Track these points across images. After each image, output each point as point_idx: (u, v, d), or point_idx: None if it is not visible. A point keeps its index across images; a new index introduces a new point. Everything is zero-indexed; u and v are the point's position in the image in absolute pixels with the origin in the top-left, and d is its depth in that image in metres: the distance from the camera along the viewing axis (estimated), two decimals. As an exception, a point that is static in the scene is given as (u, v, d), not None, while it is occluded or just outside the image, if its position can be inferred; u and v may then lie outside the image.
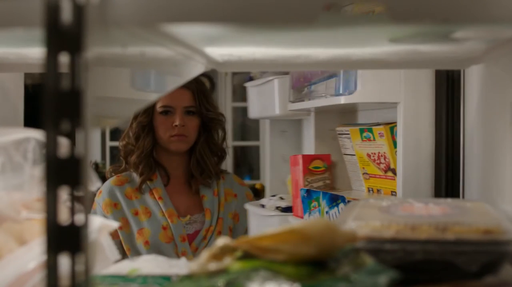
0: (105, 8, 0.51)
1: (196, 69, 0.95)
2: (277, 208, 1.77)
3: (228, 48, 0.92)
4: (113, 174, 1.91)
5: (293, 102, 1.81)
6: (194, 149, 1.88)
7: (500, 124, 0.96)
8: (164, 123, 1.83)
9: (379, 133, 1.44)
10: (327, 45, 0.87)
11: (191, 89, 1.86)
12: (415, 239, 0.67)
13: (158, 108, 1.84)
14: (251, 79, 2.28)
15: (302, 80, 1.74)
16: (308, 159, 1.70)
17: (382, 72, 1.35)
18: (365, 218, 0.71)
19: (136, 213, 1.81)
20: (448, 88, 1.28)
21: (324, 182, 1.69)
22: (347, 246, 0.64)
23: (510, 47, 0.81)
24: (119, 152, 1.91)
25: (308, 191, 1.58)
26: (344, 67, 1.53)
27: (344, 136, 1.62)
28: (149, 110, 1.85)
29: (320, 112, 1.82)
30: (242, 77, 3.55)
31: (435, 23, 0.64)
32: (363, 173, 1.56)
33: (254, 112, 2.27)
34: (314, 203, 1.55)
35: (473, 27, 0.71)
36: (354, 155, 1.59)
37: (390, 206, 0.77)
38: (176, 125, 1.81)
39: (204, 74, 1.54)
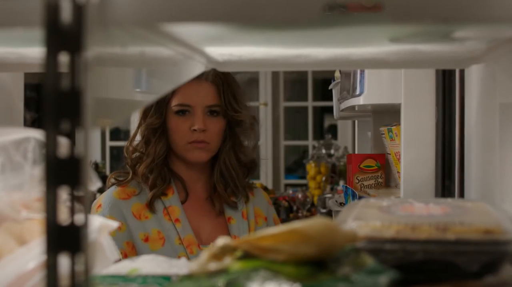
0: (105, 7, 0.51)
1: (196, 69, 0.95)
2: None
3: (228, 48, 0.92)
4: (116, 185, 1.48)
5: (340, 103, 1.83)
6: (217, 158, 1.50)
7: (500, 123, 0.96)
8: (180, 126, 1.44)
9: (395, 133, 1.48)
10: (327, 45, 0.87)
11: (215, 82, 1.46)
12: (416, 239, 0.67)
13: (173, 107, 1.45)
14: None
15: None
16: (360, 158, 1.71)
17: (383, 73, 1.36)
18: (365, 218, 0.71)
19: (146, 239, 1.41)
20: (451, 88, 1.28)
21: (376, 180, 1.70)
22: (348, 246, 0.64)
23: (510, 47, 0.81)
24: (125, 159, 1.52)
25: (346, 188, 1.64)
26: (344, 66, 1.53)
27: (383, 136, 1.65)
28: (162, 109, 1.46)
29: (377, 112, 1.81)
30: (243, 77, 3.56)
31: (436, 23, 0.64)
32: (398, 172, 1.58)
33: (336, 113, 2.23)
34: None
35: (474, 26, 0.71)
36: (389, 154, 1.61)
37: (391, 206, 0.77)
38: (195, 129, 1.43)
39: None
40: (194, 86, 1.44)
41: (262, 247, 0.62)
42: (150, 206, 1.44)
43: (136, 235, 1.40)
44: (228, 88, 1.47)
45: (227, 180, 1.50)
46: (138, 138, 1.51)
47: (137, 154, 1.49)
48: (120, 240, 1.36)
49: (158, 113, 1.46)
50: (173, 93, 1.46)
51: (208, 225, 1.47)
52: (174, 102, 1.46)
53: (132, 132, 1.54)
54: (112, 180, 1.51)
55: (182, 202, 1.47)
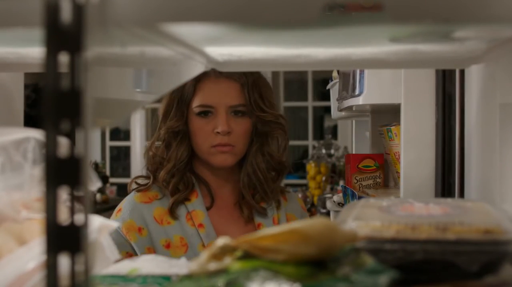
0: (105, 7, 0.51)
1: (196, 69, 0.95)
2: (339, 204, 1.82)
3: (228, 48, 0.92)
4: (136, 190, 1.40)
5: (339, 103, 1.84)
6: (244, 161, 1.40)
7: (500, 123, 0.96)
8: (202, 129, 1.35)
9: (394, 133, 1.48)
10: (327, 45, 0.87)
11: (239, 80, 1.36)
12: (415, 239, 0.67)
13: (195, 107, 1.36)
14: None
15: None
16: (358, 158, 1.70)
17: (383, 73, 1.36)
18: (365, 218, 0.71)
19: (167, 246, 1.33)
20: (451, 88, 1.28)
21: (375, 180, 1.70)
22: (348, 246, 0.64)
23: (510, 47, 0.81)
24: (146, 165, 1.43)
25: (345, 188, 1.64)
26: (344, 66, 1.53)
27: (382, 136, 1.65)
28: (183, 111, 1.37)
29: (375, 112, 1.80)
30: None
31: (436, 23, 0.64)
32: (396, 172, 1.58)
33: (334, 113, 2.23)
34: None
35: (474, 26, 0.71)
36: (389, 154, 1.61)
37: (390, 206, 0.77)
38: (218, 132, 1.33)
39: None
40: (216, 85, 1.36)
41: (262, 247, 0.62)
42: (172, 212, 1.35)
43: (157, 240, 1.33)
44: (253, 85, 1.37)
45: (255, 185, 1.39)
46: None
47: (157, 158, 1.39)
48: (141, 246, 1.32)
49: (179, 115, 1.37)
50: (194, 92, 1.38)
51: (236, 232, 1.32)
52: (196, 103, 1.36)
53: (152, 136, 1.45)
54: (134, 185, 1.43)
55: (208, 208, 1.38)
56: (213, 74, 1.37)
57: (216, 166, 1.38)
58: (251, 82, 1.36)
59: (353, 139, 2.28)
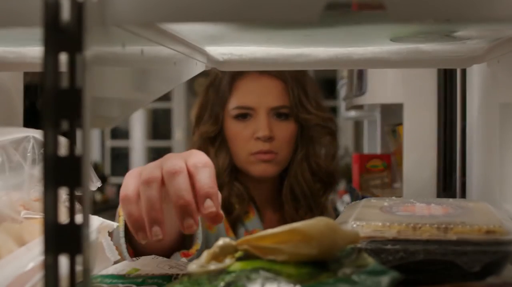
0: (104, 6, 0.51)
1: (196, 69, 0.95)
2: None
3: (229, 47, 0.92)
4: None
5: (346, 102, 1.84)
6: (287, 171, 1.23)
7: (501, 123, 0.96)
8: (240, 134, 1.19)
9: (398, 133, 1.48)
10: (328, 44, 0.87)
11: (281, 77, 1.20)
12: (417, 239, 0.66)
13: (231, 110, 1.20)
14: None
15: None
16: (365, 158, 1.68)
17: (387, 73, 1.35)
18: (367, 218, 0.71)
19: None
20: (452, 88, 1.28)
21: (382, 180, 1.66)
22: (349, 246, 0.64)
23: (512, 46, 0.81)
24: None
25: (351, 188, 1.63)
26: (345, 66, 1.53)
27: (389, 136, 1.65)
28: (218, 113, 1.21)
29: (385, 111, 1.79)
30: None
31: (438, 23, 0.63)
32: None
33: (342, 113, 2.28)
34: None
35: (476, 26, 0.70)
36: (395, 154, 1.62)
37: (392, 206, 0.77)
38: (258, 137, 1.17)
39: None
40: (255, 83, 1.19)
41: (262, 247, 0.61)
42: (234, 231, 1.16)
43: None
44: (298, 83, 1.20)
45: (298, 198, 1.22)
46: None
47: None
48: None
49: (213, 118, 1.20)
50: (230, 92, 1.21)
51: None
52: (232, 104, 1.19)
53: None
54: None
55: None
56: (252, 71, 1.20)
57: (256, 177, 1.21)
58: (294, 80, 1.20)
59: (364, 139, 2.28)
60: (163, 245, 0.81)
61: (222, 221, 0.67)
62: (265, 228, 1.19)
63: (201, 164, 0.66)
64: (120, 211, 0.93)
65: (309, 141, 1.23)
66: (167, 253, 0.84)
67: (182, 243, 0.88)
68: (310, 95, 1.22)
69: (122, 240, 0.83)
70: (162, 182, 0.65)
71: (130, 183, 0.67)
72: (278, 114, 1.20)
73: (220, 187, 1.13)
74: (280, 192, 1.24)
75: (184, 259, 0.90)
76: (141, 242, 0.68)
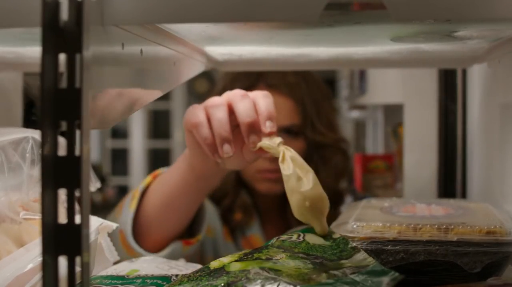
0: (103, 6, 0.51)
1: (196, 68, 0.95)
2: None
3: (228, 47, 0.91)
4: None
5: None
6: None
7: (501, 123, 0.96)
8: None
9: (398, 133, 1.48)
10: (328, 44, 0.86)
11: (292, 95, 1.17)
12: (418, 240, 0.66)
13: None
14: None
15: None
16: (367, 158, 1.68)
17: (386, 73, 1.35)
18: (367, 218, 0.70)
19: None
20: (452, 88, 1.28)
21: (384, 181, 1.66)
22: (349, 246, 0.64)
23: (512, 46, 0.81)
24: None
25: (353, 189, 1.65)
26: (345, 66, 1.53)
27: (391, 136, 1.64)
28: None
29: (388, 111, 1.79)
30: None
31: (438, 23, 0.63)
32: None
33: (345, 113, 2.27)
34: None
35: (476, 26, 0.70)
36: (396, 155, 1.62)
37: (392, 206, 0.77)
38: (265, 156, 1.08)
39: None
40: None
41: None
42: (232, 233, 1.17)
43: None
44: (309, 101, 1.17)
45: None
46: None
47: None
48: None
49: None
50: None
51: None
52: None
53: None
54: None
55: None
56: (262, 86, 1.17)
57: (261, 193, 1.20)
58: (306, 98, 1.18)
59: (367, 139, 2.28)
60: (176, 227, 0.91)
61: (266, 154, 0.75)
62: (266, 234, 1.22)
63: (261, 94, 0.76)
64: (135, 193, 0.95)
65: (319, 160, 1.21)
66: (171, 238, 0.92)
67: (188, 231, 0.96)
68: (322, 113, 1.20)
69: (129, 225, 0.90)
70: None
71: (197, 112, 0.76)
72: (287, 131, 1.18)
73: (225, 195, 1.20)
74: (284, 203, 1.17)
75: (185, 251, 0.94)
76: (217, 161, 0.76)
